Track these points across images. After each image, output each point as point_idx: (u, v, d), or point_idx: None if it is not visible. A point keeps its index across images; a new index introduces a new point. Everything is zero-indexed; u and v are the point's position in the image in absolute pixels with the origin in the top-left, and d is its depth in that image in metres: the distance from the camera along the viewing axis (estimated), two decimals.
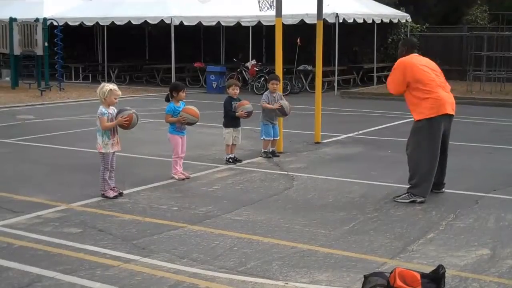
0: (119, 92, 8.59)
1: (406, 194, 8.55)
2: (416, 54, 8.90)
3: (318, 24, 12.93)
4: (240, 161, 10.83)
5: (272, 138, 11.38)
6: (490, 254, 6.44)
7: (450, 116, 8.66)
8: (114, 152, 8.52)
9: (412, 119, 8.88)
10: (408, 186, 8.64)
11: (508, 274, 5.90)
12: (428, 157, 8.55)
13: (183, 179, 9.55)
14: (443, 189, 8.93)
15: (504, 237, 7.01)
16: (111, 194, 8.44)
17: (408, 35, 28.09)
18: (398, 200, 8.51)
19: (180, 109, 9.65)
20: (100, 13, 27.47)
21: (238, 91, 10.92)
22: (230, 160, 10.70)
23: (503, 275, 5.89)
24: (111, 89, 8.41)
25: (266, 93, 11.53)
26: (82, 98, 22.08)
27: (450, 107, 8.60)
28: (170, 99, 9.77)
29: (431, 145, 8.55)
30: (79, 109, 18.90)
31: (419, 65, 8.68)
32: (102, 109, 8.42)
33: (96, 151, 8.63)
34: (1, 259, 6.19)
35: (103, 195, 8.44)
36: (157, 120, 15.79)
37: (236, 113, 10.63)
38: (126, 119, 8.45)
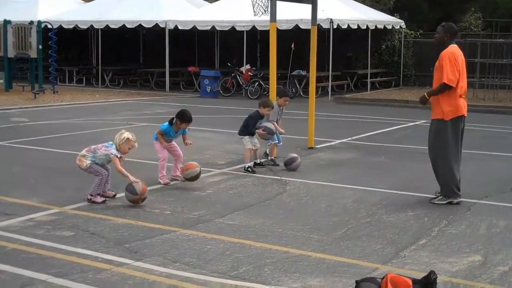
0: (136, 144, 8.55)
1: (441, 197, 8.70)
2: (455, 45, 8.78)
3: (312, 30, 12.96)
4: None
5: (276, 141, 11.30)
6: (481, 261, 6.46)
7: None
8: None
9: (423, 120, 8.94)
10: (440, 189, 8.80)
11: (499, 281, 5.92)
12: (452, 158, 8.68)
13: (168, 184, 9.54)
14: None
15: (495, 243, 7.03)
16: (99, 199, 8.41)
17: (402, 41, 28.20)
18: (435, 202, 8.65)
19: (173, 135, 9.65)
20: (94, 16, 27.49)
21: (270, 113, 10.83)
22: (249, 169, 10.59)
23: (495, 281, 5.91)
24: (128, 138, 8.41)
25: (276, 107, 11.25)
26: (76, 101, 22.07)
27: (466, 108, 8.87)
28: (172, 124, 9.62)
29: (455, 146, 8.69)
30: (72, 112, 18.89)
31: (460, 60, 8.65)
32: (115, 151, 8.39)
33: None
34: None
35: (89, 200, 8.41)
36: (150, 124, 15.77)
37: (256, 131, 10.60)
38: (137, 181, 8.43)
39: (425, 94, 8.85)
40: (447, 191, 8.70)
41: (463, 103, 8.75)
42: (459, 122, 8.71)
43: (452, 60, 8.55)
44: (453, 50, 8.65)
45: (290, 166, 10.81)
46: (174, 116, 9.64)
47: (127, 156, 8.81)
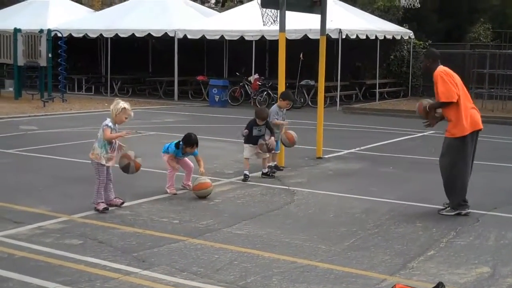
0: (131, 113, 8.63)
1: (449, 208, 8.74)
2: (442, 66, 8.82)
3: (321, 40, 12.98)
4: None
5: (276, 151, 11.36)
6: (490, 272, 6.43)
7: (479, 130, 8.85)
8: (109, 165, 8.54)
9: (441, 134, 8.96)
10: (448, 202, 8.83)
11: None
12: (463, 172, 8.71)
13: (175, 194, 9.54)
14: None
15: (504, 255, 7.01)
16: (101, 206, 8.42)
17: (411, 52, 28.20)
18: (444, 213, 8.69)
19: (179, 156, 9.68)
20: (104, 25, 27.59)
21: (263, 123, 10.85)
22: (245, 175, 10.65)
23: None
24: (124, 108, 8.46)
25: (275, 108, 11.40)
26: (85, 110, 22.14)
27: (480, 121, 8.82)
28: (179, 148, 9.62)
29: (466, 161, 8.72)
30: (81, 121, 18.95)
31: (455, 76, 8.69)
32: (109, 122, 8.43)
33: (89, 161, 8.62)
34: (1, 269, 6.19)
35: (95, 208, 8.43)
36: (159, 132, 15.82)
37: (258, 144, 10.68)
38: (129, 133, 8.54)
39: (427, 106, 8.84)
40: (456, 203, 8.70)
41: (475, 117, 8.69)
42: (472, 137, 8.70)
43: (445, 77, 8.59)
44: (444, 69, 8.73)
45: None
46: (180, 140, 9.64)
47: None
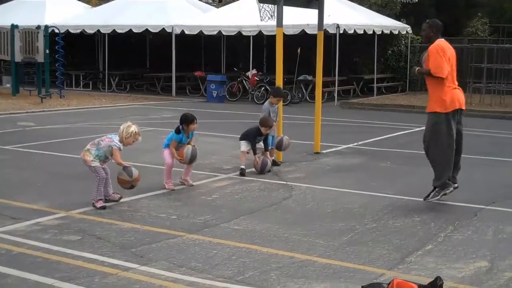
0: (140, 139, 8.65)
1: (435, 192, 8.87)
2: (443, 39, 8.86)
3: (319, 35, 12.97)
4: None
5: (269, 147, 11.38)
6: (488, 266, 6.44)
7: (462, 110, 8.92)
8: None
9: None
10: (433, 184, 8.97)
11: (506, 287, 5.90)
12: (447, 150, 8.79)
13: (172, 189, 9.55)
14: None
15: (502, 249, 7.01)
16: (99, 204, 8.40)
17: (409, 47, 28.19)
18: (430, 200, 8.84)
19: (184, 141, 9.67)
20: (101, 21, 27.56)
21: (269, 132, 10.96)
22: (241, 170, 10.67)
23: (501, 287, 5.89)
24: (135, 132, 8.48)
25: (267, 105, 11.44)
26: (82, 106, 22.12)
27: (463, 102, 8.93)
28: (180, 130, 9.66)
29: (450, 139, 8.77)
30: (79, 117, 18.93)
31: (449, 52, 8.74)
32: (118, 141, 8.45)
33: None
34: None
35: (93, 204, 8.43)
36: (157, 128, 15.81)
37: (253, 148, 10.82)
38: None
39: (416, 68, 9.03)
40: (441, 183, 8.84)
41: (459, 96, 8.83)
42: (454, 117, 8.79)
43: (440, 52, 8.64)
44: (440, 44, 8.78)
45: (280, 147, 11.52)
46: (179, 125, 9.64)
47: (129, 160, 8.83)
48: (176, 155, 9.59)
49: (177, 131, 9.63)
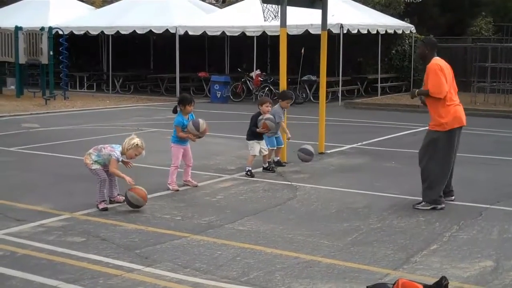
0: (143, 152, 8.62)
1: (425, 203, 8.68)
2: (438, 57, 8.79)
3: (323, 35, 12.95)
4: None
5: (275, 147, 11.38)
6: (493, 266, 6.42)
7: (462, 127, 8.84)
8: None
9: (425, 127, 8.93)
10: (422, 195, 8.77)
11: (511, 286, 5.88)
12: (444, 167, 8.65)
13: (177, 190, 9.55)
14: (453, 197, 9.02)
15: (507, 249, 6.99)
16: (101, 206, 8.41)
17: (413, 46, 28.16)
18: (419, 207, 8.62)
19: (187, 122, 9.64)
20: (105, 22, 27.58)
21: (270, 109, 10.90)
22: (249, 173, 10.64)
23: (507, 287, 5.88)
24: (137, 145, 8.46)
25: (278, 109, 11.34)
26: (87, 107, 22.14)
27: (464, 118, 8.79)
28: (178, 111, 9.76)
29: (448, 156, 8.65)
30: (83, 118, 18.95)
31: (446, 72, 8.66)
32: (119, 153, 8.43)
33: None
34: (4, 267, 6.20)
35: (96, 206, 8.43)
36: (161, 129, 15.81)
37: (257, 130, 10.66)
38: (131, 182, 8.51)
39: (416, 91, 8.92)
40: (431, 199, 8.65)
41: (460, 113, 8.69)
42: (455, 133, 8.68)
43: (438, 72, 8.55)
44: (438, 62, 8.68)
45: (304, 156, 11.51)
46: (176, 105, 9.68)
47: (134, 161, 8.83)
48: (186, 135, 9.63)
49: (174, 111, 9.68)
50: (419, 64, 28.35)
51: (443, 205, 8.66)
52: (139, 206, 8.38)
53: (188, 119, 9.72)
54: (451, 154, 8.70)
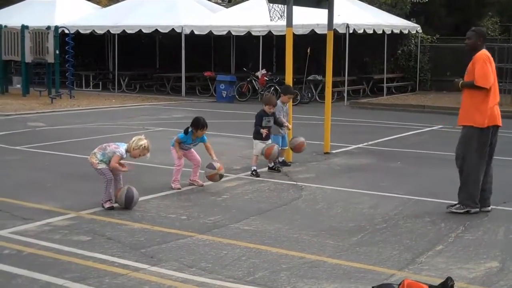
0: (148, 155, 8.61)
1: (459, 205, 8.48)
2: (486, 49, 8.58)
3: (329, 35, 12.95)
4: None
5: (286, 147, 11.40)
6: (499, 267, 6.41)
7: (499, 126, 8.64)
8: None
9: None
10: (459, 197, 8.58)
11: None
12: (479, 166, 8.46)
13: (179, 189, 9.55)
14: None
15: None
16: (107, 205, 8.41)
17: (419, 46, 28.12)
18: (453, 210, 8.44)
19: (190, 142, 9.67)
20: (111, 21, 27.63)
21: (274, 110, 10.91)
22: (254, 172, 10.65)
23: None
24: (144, 147, 8.46)
25: (279, 103, 11.34)
26: (92, 106, 22.17)
27: (500, 118, 8.57)
28: (189, 132, 9.63)
29: (482, 153, 8.46)
30: (89, 117, 18.98)
31: (493, 66, 8.45)
32: (124, 150, 8.45)
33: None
34: (10, 266, 6.21)
35: (102, 205, 8.45)
36: (167, 128, 15.82)
37: (261, 130, 10.69)
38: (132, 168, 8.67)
39: (460, 82, 8.56)
40: (468, 201, 8.45)
41: (496, 112, 8.45)
42: (489, 132, 8.44)
43: (487, 61, 8.32)
44: (487, 53, 8.44)
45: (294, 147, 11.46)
46: (189, 126, 9.64)
47: (138, 161, 8.82)
48: (178, 153, 9.62)
49: (185, 132, 9.64)
50: (427, 65, 28.40)
51: (477, 209, 8.43)
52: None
53: (195, 141, 9.70)
54: (484, 152, 8.46)
